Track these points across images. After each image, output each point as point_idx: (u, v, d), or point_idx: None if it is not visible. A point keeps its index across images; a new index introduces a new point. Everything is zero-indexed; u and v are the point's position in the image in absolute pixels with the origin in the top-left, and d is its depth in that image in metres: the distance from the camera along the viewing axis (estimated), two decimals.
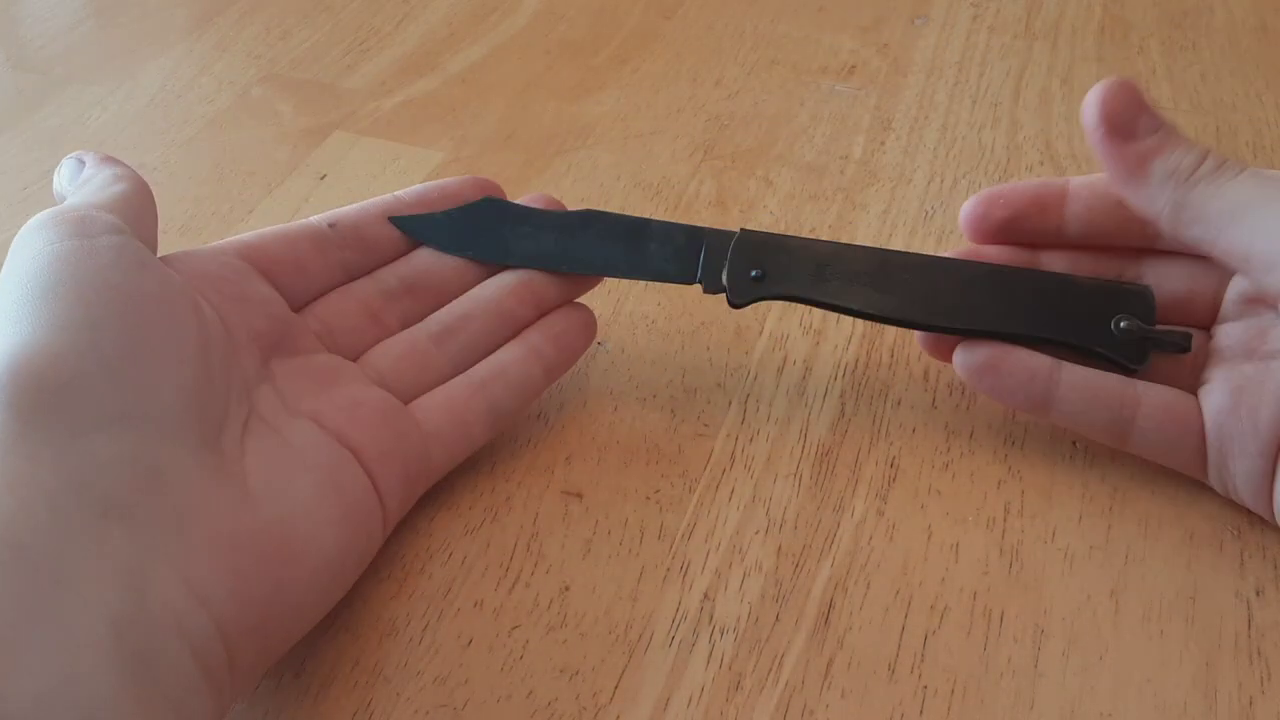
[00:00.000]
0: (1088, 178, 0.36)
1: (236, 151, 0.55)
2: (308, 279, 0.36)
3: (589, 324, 0.39)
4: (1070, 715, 0.31)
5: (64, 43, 0.65)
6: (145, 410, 0.27)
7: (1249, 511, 0.35)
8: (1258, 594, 0.34)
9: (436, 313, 0.37)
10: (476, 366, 0.36)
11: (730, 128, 0.55)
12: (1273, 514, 0.33)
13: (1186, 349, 0.35)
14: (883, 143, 0.54)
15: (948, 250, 0.38)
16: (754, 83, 0.59)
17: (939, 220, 0.49)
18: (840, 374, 0.41)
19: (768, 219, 0.49)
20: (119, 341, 0.27)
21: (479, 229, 0.38)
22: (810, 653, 0.33)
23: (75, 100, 0.59)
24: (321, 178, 0.53)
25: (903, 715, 0.31)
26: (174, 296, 0.30)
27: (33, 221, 0.31)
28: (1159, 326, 0.35)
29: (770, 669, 0.32)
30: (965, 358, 0.35)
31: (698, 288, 0.37)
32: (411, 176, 0.53)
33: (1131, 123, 0.32)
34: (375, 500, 0.32)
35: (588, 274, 0.38)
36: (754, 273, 0.36)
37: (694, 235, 0.37)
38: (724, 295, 0.36)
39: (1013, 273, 0.36)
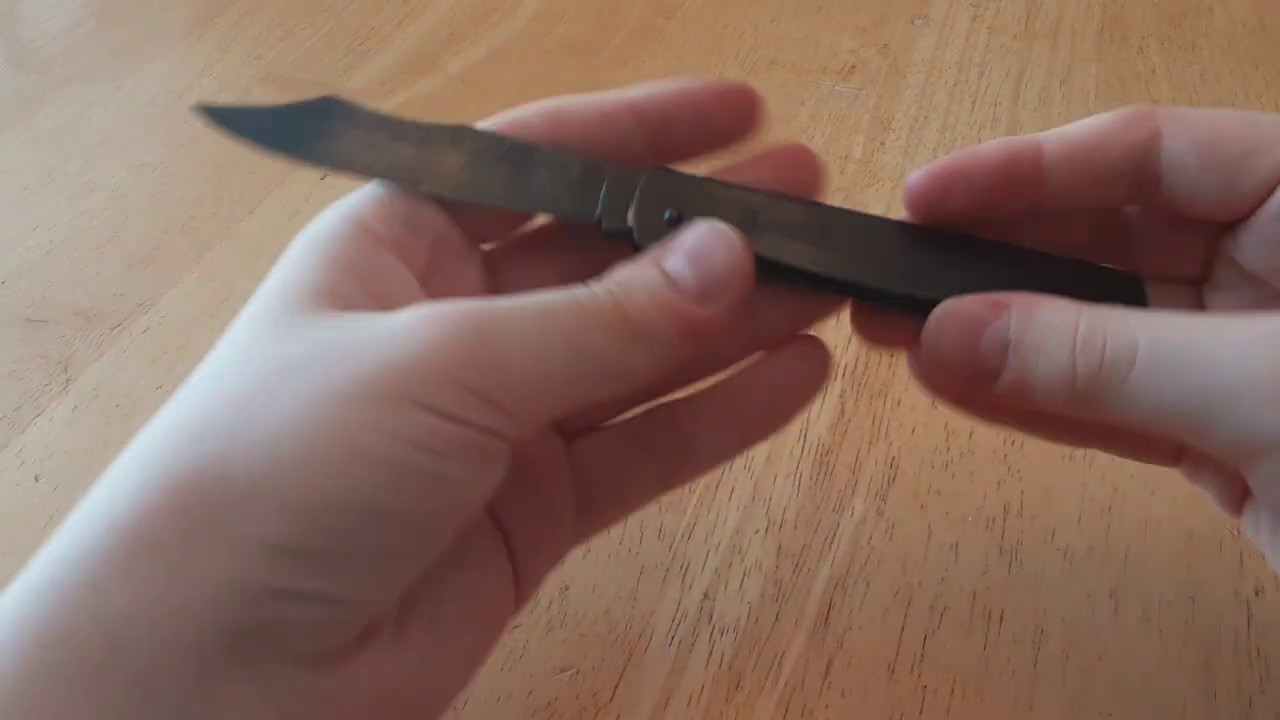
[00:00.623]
0: (1062, 135, 0.28)
1: (237, 151, 0.55)
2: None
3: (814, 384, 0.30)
4: (1070, 715, 0.31)
5: (65, 43, 0.65)
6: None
7: None
8: (1257, 594, 0.34)
9: None
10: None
11: None
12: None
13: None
14: (882, 143, 0.54)
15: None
16: (754, 83, 0.59)
17: None
18: (840, 374, 0.41)
19: None
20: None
21: (313, 132, 0.32)
22: (810, 652, 0.33)
23: (76, 100, 0.59)
24: (322, 178, 0.53)
25: (902, 715, 0.31)
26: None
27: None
28: None
29: (770, 669, 0.32)
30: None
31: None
32: None
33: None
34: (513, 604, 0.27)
35: (453, 197, 0.29)
36: (668, 214, 0.28)
37: (593, 169, 0.30)
38: (628, 241, 0.29)
39: (983, 244, 0.29)
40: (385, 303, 0.24)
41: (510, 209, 0.29)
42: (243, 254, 0.49)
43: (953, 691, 0.31)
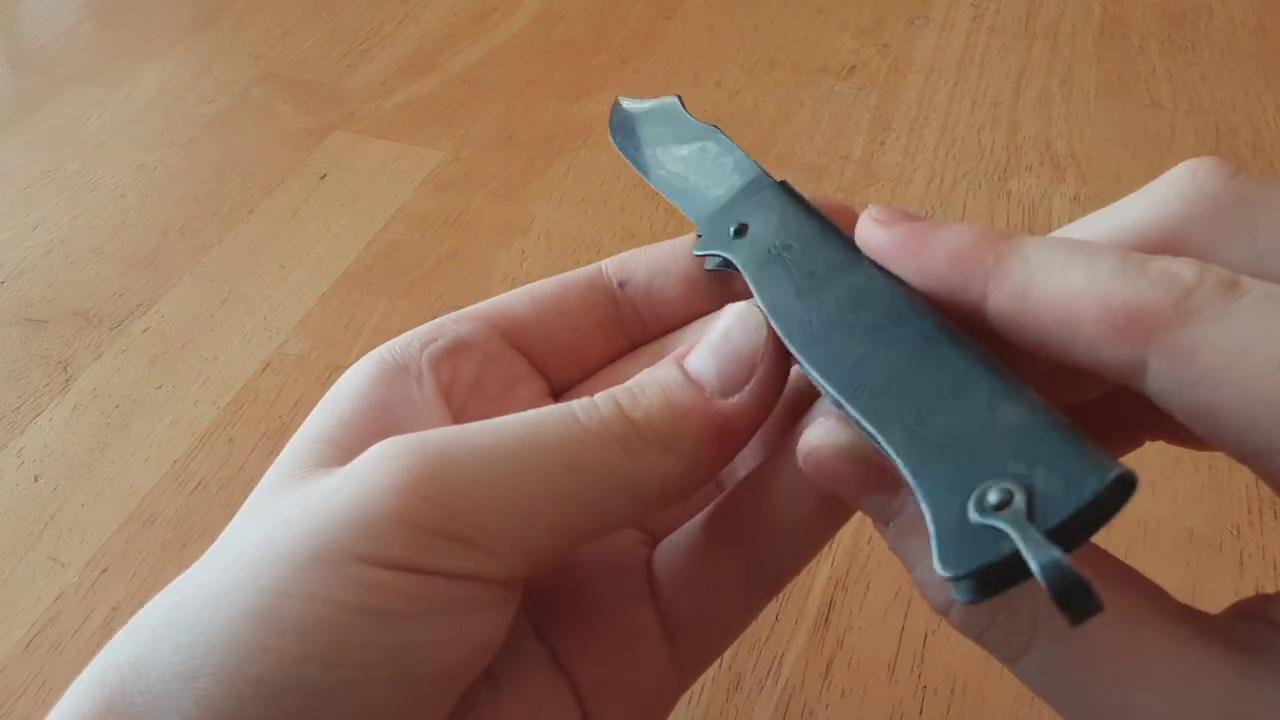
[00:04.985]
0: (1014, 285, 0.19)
1: (236, 152, 0.55)
2: (583, 366, 0.26)
3: None
4: None
5: (64, 43, 0.65)
6: None
7: (1248, 511, 0.35)
8: (1257, 593, 0.34)
9: None
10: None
11: (730, 128, 0.55)
12: None
13: (1085, 613, 0.15)
14: (883, 143, 0.54)
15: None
16: (754, 83, 0.59)
17: (939, 220, 0.49)
18: None
19: None
20: None
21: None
22: (810, 653, 0.33)
23: (75, 101, 0.59)
24: (322, 178, 0.53)
25: (902, 715, 0.31)
26: None
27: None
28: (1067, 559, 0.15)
29: (770, 669, 0.32)
30: None
31: None
32: (412, 176, 0.53)
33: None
34: None
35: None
36: (733, 227, 0.25)
37: (743, 172, 0.27)
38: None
39: (948, 343, 0.19)
40: None
41: (680, 207, 0.27)
42: (242, 254, 0.49)
43: (953, 691, 0.31)
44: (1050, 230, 0.48)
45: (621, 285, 0.26)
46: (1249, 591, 0.34)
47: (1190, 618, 0.19)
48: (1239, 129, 0.54)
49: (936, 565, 0.16)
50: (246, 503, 0.21)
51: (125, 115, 0.58)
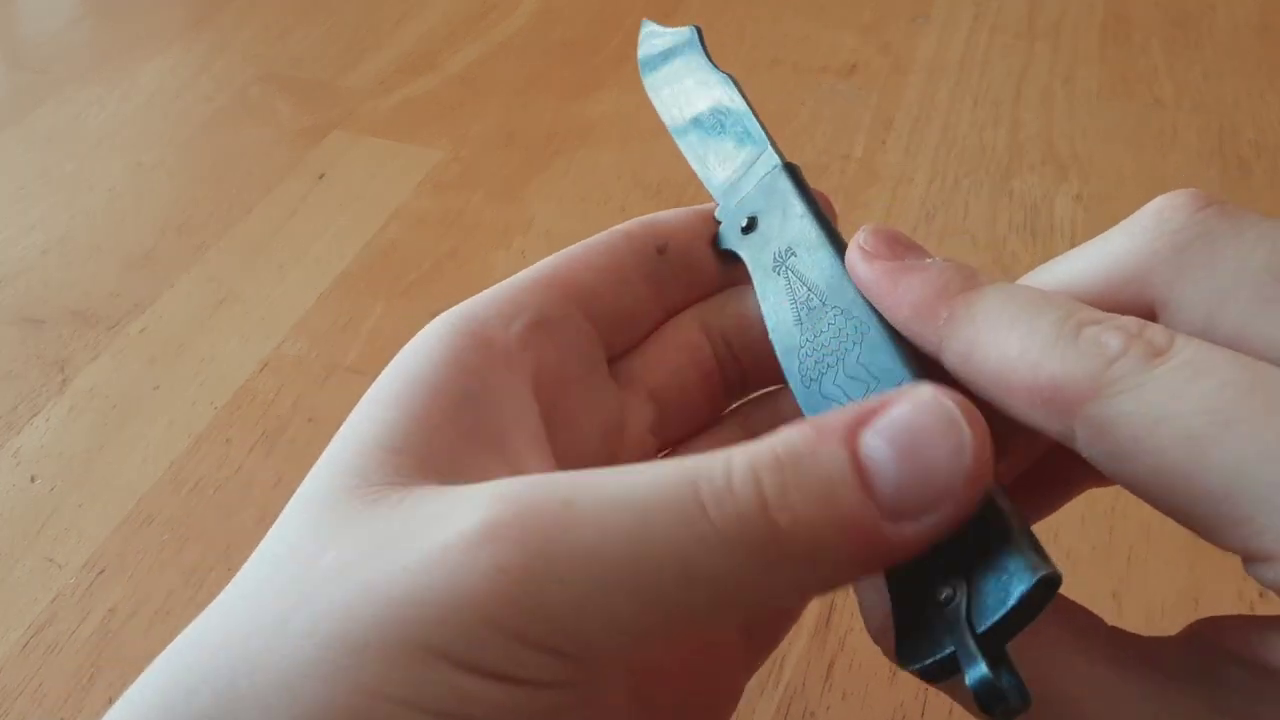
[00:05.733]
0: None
1: (235, 151, 0.55)
2: (636, 331, 0.25)
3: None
4: None
5: (61, 42, 0.64)
6: None
7: None
8: (1261, 595, 0.33)
9: None
10: None
11: None
12: None
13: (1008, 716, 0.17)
14: (884, 142, 0.54)
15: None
16: (755, 82, 0.59)
17: (940, 220, 0.49)
18: None
19: None
20: None
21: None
22: (811, 654, 0.32)
23: (73, 100, 0.59)
24: (320, 177, 0.53)
25: (904, 717, 0.31)
26: None
27: None
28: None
29: (771, 671, 0.32)
30: None
31: None
32: (411, 176, 0.53)
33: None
34: None
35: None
36: (744, 220, 0.25)
37: (755, 145, 0.27)
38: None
39: None
40: (489, 448, 0.19)
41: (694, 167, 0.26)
42: (240, 254, 0.49)
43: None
44: (1051, 230, 0.48)
45: (661, 251, 0.24)
46: (1253, 594, 0.33)
47: (1116, 650, 0.19)
48: (1242, 128, 0.54)
49: (896, 657, 0.18)
50: (295, 512, 0.19)
51: (122, 114, 0.58)
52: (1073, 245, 0.51)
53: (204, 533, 0.37)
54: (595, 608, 0.16)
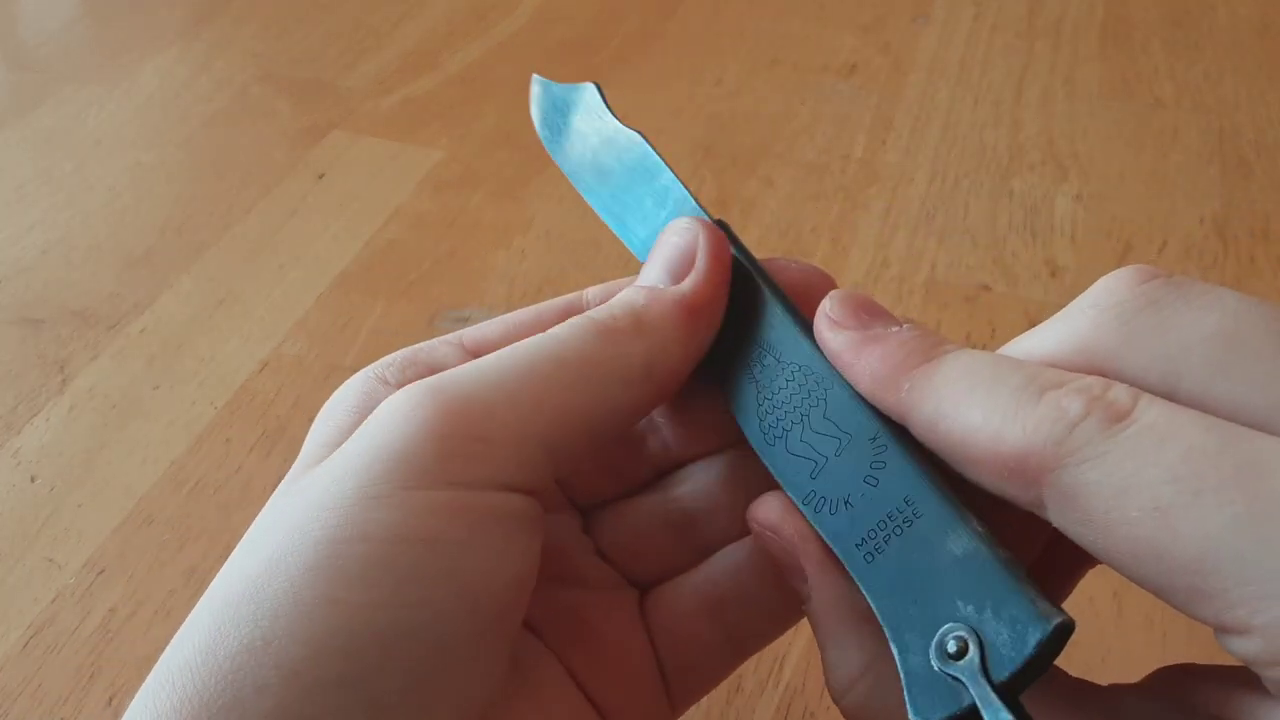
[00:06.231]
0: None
1: (234, 151, 0.55)
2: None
3: None
4: None
5: (61, 41, 0.64)
6: None
7: None
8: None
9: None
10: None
11: (731, 127, 0.55)
12: None
13: None
14: (884, 142, 0.54)
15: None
16: (754, 82, 0.59)
17: (940, 220, 0.49)
18: None
19: (768, 219, 0.49)
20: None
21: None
22: (811, 655, 0.32)
23: (72, 100, 0.59)
24: (320, 177, 0.53)
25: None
26: None
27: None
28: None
29: (771, 671, 0.32)
30: None
31: None
32: (410, 175, 0.53)
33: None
34: None
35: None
36: None
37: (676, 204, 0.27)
38: None
39: (896, 456, 0.20)
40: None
41: (607, 220, 0.29)
42: (240, 254, 0.49)
43: None
44: (1051, 230, 0.48)
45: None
46: None
47: (1079, 700, 0.19)
48: (1242, 128, 0.54)
49: (910, 711, 0.19)
50: (262, 512, 0.21)
51: (122, 114, 0.58)
52: (1072, 245, 0.51)
53: (204, 532, 0.37)
54: (500, 395, 0.20)
